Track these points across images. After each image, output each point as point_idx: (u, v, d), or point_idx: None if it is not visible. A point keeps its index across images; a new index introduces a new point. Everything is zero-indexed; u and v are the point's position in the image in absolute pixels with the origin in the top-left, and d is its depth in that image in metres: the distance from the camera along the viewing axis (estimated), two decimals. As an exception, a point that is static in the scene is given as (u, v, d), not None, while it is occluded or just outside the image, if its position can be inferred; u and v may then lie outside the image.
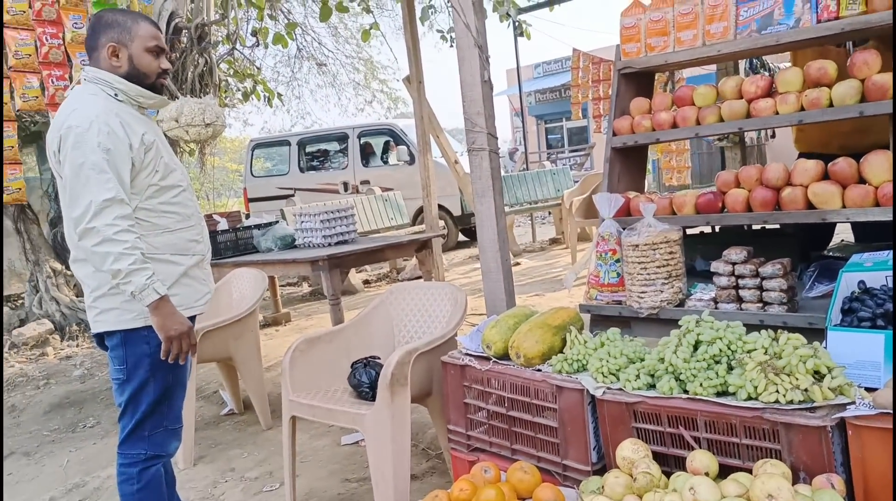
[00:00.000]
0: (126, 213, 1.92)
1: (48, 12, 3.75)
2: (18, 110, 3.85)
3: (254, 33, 7.85)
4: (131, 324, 2.01)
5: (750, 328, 1.89)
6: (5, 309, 6.10)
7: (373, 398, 2.46)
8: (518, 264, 7.71)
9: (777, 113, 2.33)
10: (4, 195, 3.96)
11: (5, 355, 5.38)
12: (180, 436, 2.22)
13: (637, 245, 2.36)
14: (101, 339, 2.10)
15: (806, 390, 1.59)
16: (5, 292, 7.71)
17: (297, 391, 2.64)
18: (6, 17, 3.65)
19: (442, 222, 8.39)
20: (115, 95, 2.05)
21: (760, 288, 2.18)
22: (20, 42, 3.75)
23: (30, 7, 3.72)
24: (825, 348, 1.73)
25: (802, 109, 2.27)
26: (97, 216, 1.87)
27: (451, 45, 9.53)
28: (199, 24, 5.96)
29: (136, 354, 2.03)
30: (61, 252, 6.35)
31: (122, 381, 2.05)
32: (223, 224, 5.23)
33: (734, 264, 2.23)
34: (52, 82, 3.88)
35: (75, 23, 3.84)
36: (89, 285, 2.04)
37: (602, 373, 1.96)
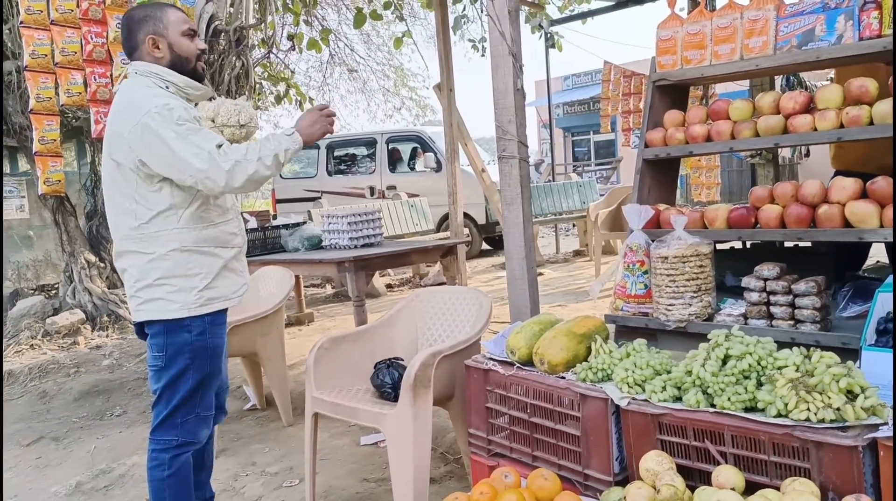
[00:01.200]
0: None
1: (94, 12, 3.85)
2: (63, 105, 3.95)
3: (289, 38, 7.97)
4: (174, 315, 2.06)
5: (780, 345, 1.87)
6: (40, 298, 6.24)
7: (395, 399, 2.48)
8: (541, 274, 7.68)
9: (815, 129, 2.31)
10: (45, 186, 4.06)
11: (39, 342, 5.50)
12: (211, 424, 2.26)
13: (666, 257, 2.35)
14: (140, 328, 2.16)
15: (838, 409, 1.57)
16: (41, 282, 7.90)
17: (320, 388, 2.67)
18: (55, 16, 3.75)
19: (466, 230, 8.42)
20: (167, 87, 2.12)
21: (792, 306, 2.16)
22: (67, 40, 3.84)
23: (77, 6, 3.82)
24: (859, 367, 1.71)
25: (842, 126, 2.25)
26: (222, 158, 1.97)
27: (483, 55, 9.57)
28: (238, 28, 6.07)
29: (176, 343, 2.08)
30: (96, 245, 6.50)
31: (159, 368, 2.11)
32: (252, 223, 5.30)
33: (766, 279, 2.21)
34: (95, 79, 3.98)
35: (119, 22, 3.94)
36: (133, 276, 2.10)
37: (627, 383, 1.95)
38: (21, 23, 3.67)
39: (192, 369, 2.11)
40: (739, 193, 14.18)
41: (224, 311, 2.21)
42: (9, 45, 5.58)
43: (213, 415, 2.26)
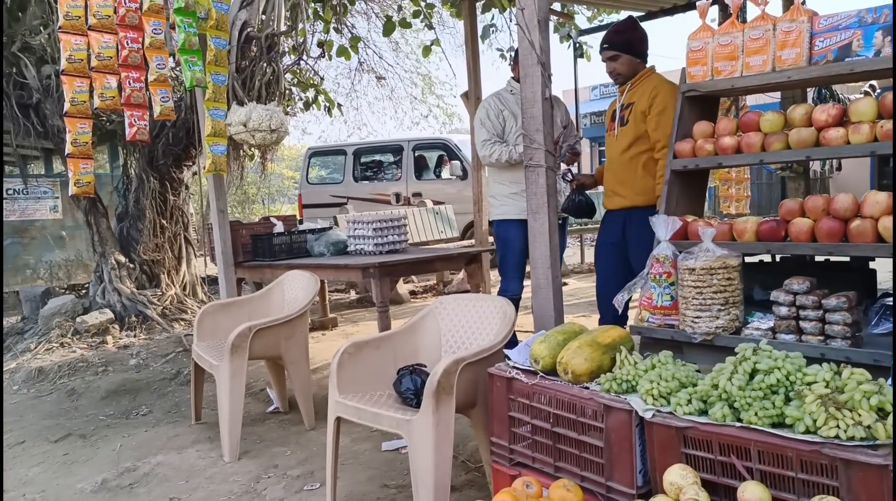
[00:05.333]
0: None
1: (131, 18, 3.93)
2: (97, 108, 4.03)
3: (319, 45, 8.06)
4: None
5: (809, 361, 1.84)
6: (71, 297, 6.37)
7: (417, 405, 2.48)
8: (566, 284, 7.64)
9: (848, 143, 2.27)
10: (75, 187, 4.14)
11: (69, 340, 5.61)
12: None
13: (693, 269, 2.33)
14: None
15: (869, 427, 1.54)
16: (73, 281, 8.07)
17: (343, 393, 2.68)
18: (92, 21, 3.84)
19: (491, 238, 8.39)
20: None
21: (823, 321, 2.12)
22: (103, 44, 3.93)
23: (115, 12, 3.91)
24: (891, 385, 1.67)
25: (876, 139, 2.21)
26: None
27: (510, 64, 9.59)
28: (269, 35, 6.16)
29: None
30: (126, 246, 6.62)
31: None
32: (279, 227, 5.37)
33: (796, 294, 2.17)
34: (130, 83, 4.06)
35: (155, 28, 4.03)
36: None
37: (652, 395, 1.93)
38: (60, 28, 3.77)
39: None
40: (769, 206, 13.96)
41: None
42: (48, 49, 5.73)
43: None
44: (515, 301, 3.74)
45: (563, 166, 3.82)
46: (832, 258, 2.47)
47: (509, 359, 2.42)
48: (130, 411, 4.21)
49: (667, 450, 1.83)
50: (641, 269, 3.15)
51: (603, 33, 3.63)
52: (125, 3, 3.84)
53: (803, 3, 2.48)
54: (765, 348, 1.85)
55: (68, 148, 3.96)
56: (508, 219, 3.86)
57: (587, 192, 3.81)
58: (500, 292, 3.83)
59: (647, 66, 3.42)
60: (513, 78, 3.91)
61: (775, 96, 6.05)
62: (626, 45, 3.33)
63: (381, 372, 2.83)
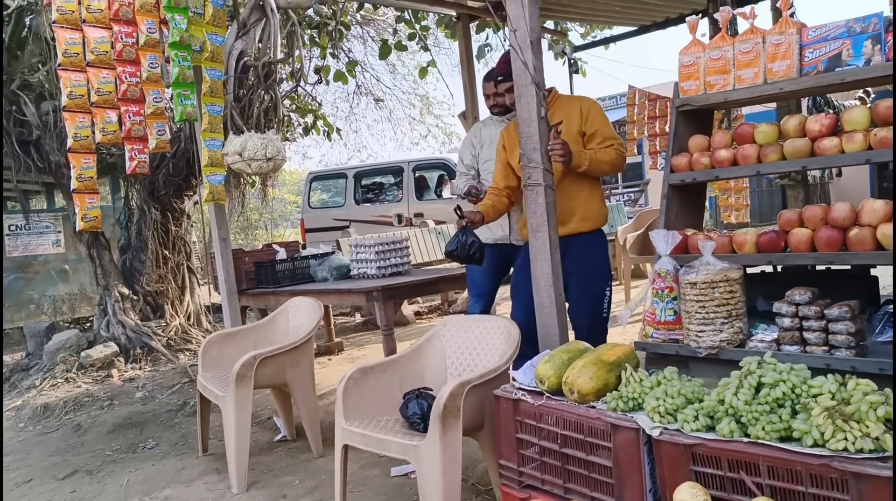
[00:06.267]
0: None
1: (128, 52, 3.97)
2: (98, 143, 4.06)
3: (316, 71, 8.13)
4: None
5: (815, 372, 1.83)
6: (75, 331, 6.37)
7: (424, 430, 2.47)
8: (570, 299, 7.62)
9: (843, 152, 2.29)
10: (83, 223, 4.16)
11: (74, 375, 5.61)
12: None
13: (695, 283, 2.33)
14: None
15: (877, 438, 1.53)
16: (77, 315, 8.07)
17: (350, 419, 2.67)
18: (90, 58, 3.88)
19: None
20: None
21: (826, 331, 2.11)
22: (102, 80, 3.96)
23: (112, 47, 3.95)
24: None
25: (870, 148, 2.22)
26: None
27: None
28: (266, 63, 6.21)
29: None
30: (129, 278, 6.63)
31: None
32: (282, 254, 5.38)
33: (798, 305, 2.17)
34: (129, 117, 4.09)
35: (151, 62, 4.06)
36: None
37: (659, 413, 1.92)
38: (59, 65, 3.81)
39: None
40: (770, 213, 13.97)
41: None
42: (46, 86, 5.79)
43: None
44: None
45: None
46: (833, 267, 2.47)
47: (515, 380, 2.41)
48: (137, 444, 4.19)
49: (676, 468, 1.82)
50: (584, 296, 3.21)
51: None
52: (122, 39, 3.89)
53: (792, 15, 2.51)
54: (769, 361, 1.84)
55: (73, 183, 3.97)
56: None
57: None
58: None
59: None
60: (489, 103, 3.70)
61: (770, 105, 6.09)
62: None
63: (387, 397, 2.82)
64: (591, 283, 3.21)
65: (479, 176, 3.84)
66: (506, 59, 3.30)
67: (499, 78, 3.42)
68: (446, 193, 10.46)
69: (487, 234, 3.67)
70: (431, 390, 2.75)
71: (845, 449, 1.54)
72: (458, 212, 3.20)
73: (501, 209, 3.32)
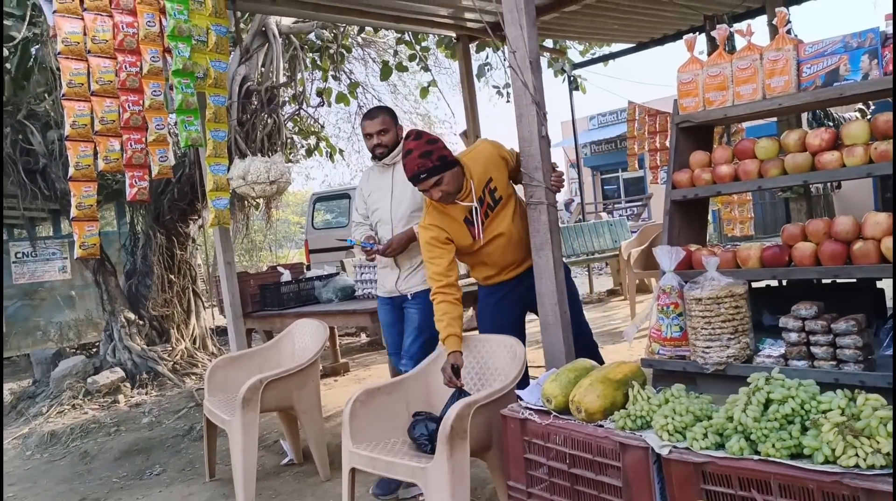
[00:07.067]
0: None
1: (132, 81, 4.02)
2: (101, 171, 4.09)
3: (319, 93, 8.21)
4: None
5: (824, 386, 1.82)
6: (81, 358, 6.37)
7: (432, 451, 2.46)
8: (576, 316, 7.59)
9: (844, 166, 2.29)
10: (80, 250, 4.18)
11: (81, 401, 5.60)
12: None
13: (700, 299, 2.33)
14: None
15: (888, 454, 1.51)
16: (83, 341, 8.08)
17: (357, 442, 2.66)
18: (95, 87, 3.93)
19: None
20: None
21: (834, 345, 2.11)
22: (106, 109, 4.01)
23: (116, 76, 4.00)
24: (905, 408, 1.65)
25: (871, 161, 2.23)
26: None
27: (508, 101, 9.72)
28: (269, 87, 6.29)
29: None
30: (135, 303, 6.65)
31: None
32: (287, 276, 5.40)
33: (804, 319, 2.16)
34: (131, 145, 4.13)
35: (154, 90, 4.11)
36: None
37: (667, 431, 1.91)
38: (63, 96, 3.85)
39: None
40: (774, 225, 13.93)
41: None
42: (52, 115, 5.86)
43: None
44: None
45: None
46: (839, 280, 2.46)
47: (521, 400, 2.40)
48: (144, 471, 4.18)
49: (686, 487, 1.81)
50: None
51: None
52: (126, 68, 3.94)
53: (788, 31, 2.53)
54: (777, 376, 1.83)
55: (73, 211, 4.00)
56: (376, 293, 3.63)
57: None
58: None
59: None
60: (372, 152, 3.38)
61: (771, 118, 6.10)
62: (442, 161, 2.79)
63: (394, 418, 2.81)
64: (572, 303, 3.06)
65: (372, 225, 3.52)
66: (421, 154, 2.80)
67: (422, 176, 2.80)
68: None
69: (382, 289, 3.52)
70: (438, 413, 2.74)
71: (856, 465, 1.53)
72: (453, 369, 2.73)
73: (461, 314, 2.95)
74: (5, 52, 5.14)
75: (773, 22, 3.01)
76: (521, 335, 3.04)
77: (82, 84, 3.88)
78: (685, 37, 2.81)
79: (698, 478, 1.78)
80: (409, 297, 3.35)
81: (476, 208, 2.89)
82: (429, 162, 2.76)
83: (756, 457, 1.70)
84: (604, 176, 24.01)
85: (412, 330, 3.33)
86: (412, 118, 14.65)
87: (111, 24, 3.87)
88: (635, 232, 9.16)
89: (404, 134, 3.07)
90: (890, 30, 2.27)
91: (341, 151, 10.14)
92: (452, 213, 2.91)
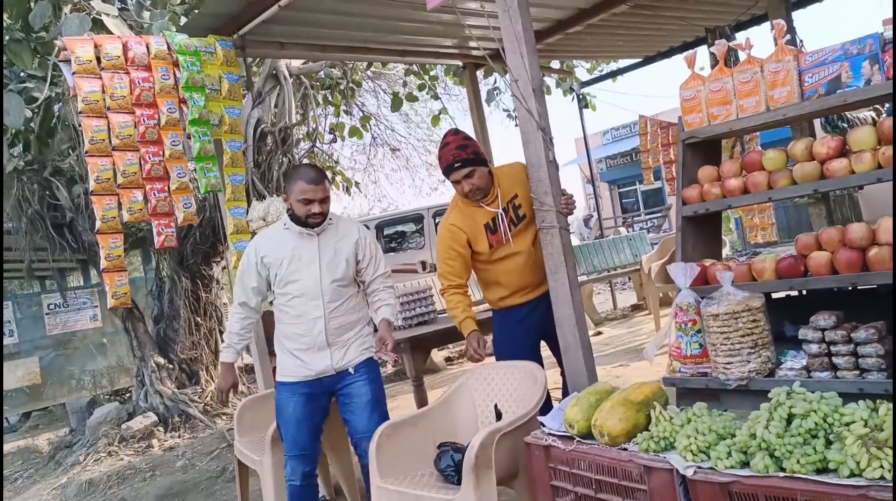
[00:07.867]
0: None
1: (150, 134, 4.15)
2: (126, 222, 4.21)
3: (331, 130, 8.36)
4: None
5: (849, 397, 1.81)
6: (115, 404, 6.49)
7: (459, 482, 2.46)
8: (600, 333, 7.55)
9: (853, 172, 2.29)
10: (113, 300, 4.28)
11: (116, 448, 5.69)
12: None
13: (717, 315, 2.32)
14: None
15: (913, 464, 1.50)
16: (116, 387, 8.21)
17: (384, 476, 2.68)
18: (115, 142, 4.05)
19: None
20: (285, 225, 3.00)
21: (856, 354, 2.08)
22: (127, 162, 4.13)
23: (135, 129, 4.13)
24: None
25: (880, 166, 2.22)
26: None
27: (517, 125, 9.81)
28: (282, 128, 6.43)
29: None
30: (164, 347, 6.76)
31: None
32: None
33: (823, 330, 2.14)
34: (154, 195, 4.25)
35: (173, 140, 4.24)
36: None
37: (691, 451, 1.90)
38: (86, 153, 3.98)
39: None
40: (798, 229, 13.69)
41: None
42: (77, 170, 6.05)
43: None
44: (304, 487, 2.99)
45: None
46: (859, 286, 2.43)
47: (544, 426, 2.40)
48: (180, 514, 4.23)
49: (714, 507, 1.79)
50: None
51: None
52: (144, 121, 4.07)
53: (791, 42, 2.54)
54: (798, 390, 1.82)
55: (103, 263, 4.11)
56: (282, 381, 3.07)
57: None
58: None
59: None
60: (287, 211, 3.05)
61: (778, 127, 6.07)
62: (476, 157, 2.99)
63: (420, 450, 2.82)
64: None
65: (274, 301, 3.11)
66: (458, 146, 3.01)
67: (456, 165, 2.98)
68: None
69: (305, 372, 2.97)
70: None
71: (881, 477, 1.51)
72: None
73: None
74: (29, 114, 5.33)
75: (772, 34, 3.02)
76: (539, 361, 3.05)
77: (103, 140, 4.01)
78: (685, 54, 2.84)
79: (725, 497, 1.77)
80: (352, 371, 2.98)
81: (502, 213, 3.05)
82: (464, 153, 2.99)
83: (781, 474, 1.69)
84: (621, 189, 23.95)
85: (365, 405, 2.96)
86: (426, 145, 14.81)
87: (128, 81, 4.00)
88: (655, 245, 9.10)
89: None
90: (889, 34, 2.28)
91: (357, 184, 10.28)
92: (475, 216, 3.07)
